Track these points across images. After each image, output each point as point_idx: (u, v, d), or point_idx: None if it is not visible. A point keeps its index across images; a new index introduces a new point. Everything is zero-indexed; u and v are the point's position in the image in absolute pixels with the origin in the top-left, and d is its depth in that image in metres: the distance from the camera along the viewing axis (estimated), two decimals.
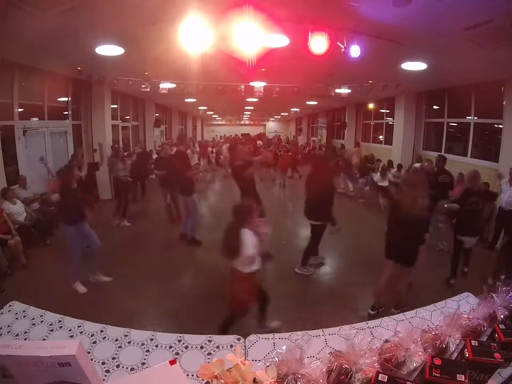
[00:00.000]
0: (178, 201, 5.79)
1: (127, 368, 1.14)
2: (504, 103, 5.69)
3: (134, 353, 1.19)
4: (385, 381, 0.86)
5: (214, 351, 1.21)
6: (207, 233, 5.47)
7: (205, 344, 1.23)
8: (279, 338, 1.25)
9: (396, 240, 2.97)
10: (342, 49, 3.96)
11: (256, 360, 0.98)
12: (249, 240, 2.35)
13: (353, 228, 5.92)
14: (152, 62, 5.09)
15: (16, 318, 1.33)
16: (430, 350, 1.07)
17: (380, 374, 0.88)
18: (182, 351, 1.21)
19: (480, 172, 6.26)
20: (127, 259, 4.38)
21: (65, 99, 7.26)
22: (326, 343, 1.23)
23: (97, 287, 3.65)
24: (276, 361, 0.89)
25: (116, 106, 9.19)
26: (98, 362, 1.15)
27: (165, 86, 7.10)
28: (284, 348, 0.91)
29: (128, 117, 10.58)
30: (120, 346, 1.22)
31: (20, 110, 5.72)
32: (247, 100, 11.04)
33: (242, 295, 2.43)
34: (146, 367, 1.14)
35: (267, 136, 22.59)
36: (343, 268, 4.39)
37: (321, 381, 0.88)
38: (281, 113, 21.10)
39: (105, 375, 1.10)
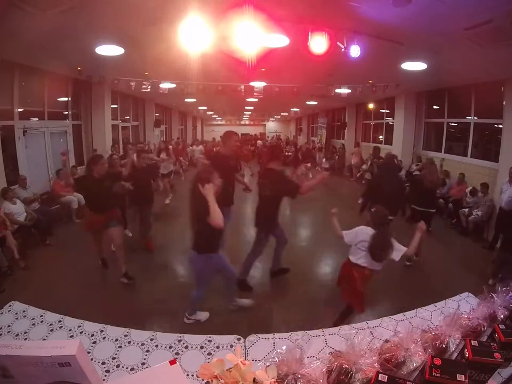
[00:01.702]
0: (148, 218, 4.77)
1: (127, 368, 1.14)
2: (504, 103, 5.68)
3: (134, 353, 1.20)
4: (385, 381, 0.86)
5: (214, 351, 1.21)
6: None
7: (205, 344, 1.23)
8: (279, 338, 1.25)
9: (420, 208, 4.40)
10: (342, 49, 3.96)
11: (256, 360, 0.98)
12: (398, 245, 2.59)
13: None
14: (152, 62, 5.09)
15: (16, 318, 1.33)
16: (430, 350, 1.07)
17: (379, 374, 0.88)
18: (182, 351, 1.21)
19: (480, 172, 6.37)
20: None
21: (65, 99, 7.26)
22: (326, 343, 1.23)
23: (97, 288, 3.64)
24: (276, 361, 0.89)
25: (116, 106, 9.20)
26: (98, 362, 1.15)
27: (165, 86, 7.11)
28: (284, 348, 0.91)
29: (128, 117, 10.59)
30: (120, 346, 1.22)
31: (20, 110, 5.73)
32: (247, 100, 11.04)
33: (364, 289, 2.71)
34: (146, 367, 1.14)
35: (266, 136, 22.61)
36: None
37: (321, 381, 0.87)
38: (281, 113, 21.10)
39: (105, 375, 1.10)
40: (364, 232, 2.64)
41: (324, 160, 12.50)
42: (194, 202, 2.68)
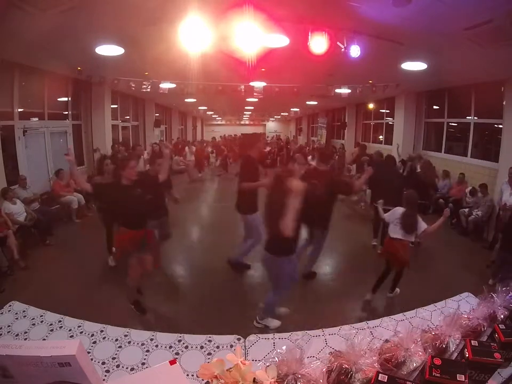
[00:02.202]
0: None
1: (127, 368, 1.14)
2: (504, 103, 5.68)
3: (134, 353, 1.20)
4: (385, 381, 0.86)
5: (214, 351, 1.21)
6: (207, 234, 5.50)
7: (205, 344, 1.24)
8: (279, 338, 1.25)
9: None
10: (342, 49, 3.96)
11: (256, 360, 0.98)
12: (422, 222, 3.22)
13: (352, 227, 5.92)
14: (152, 62, 5.09)
15: (16, 318, 1.33)
16: (430, 350, 1.07)
17: (379, 374, 0.88)
18: (182, 351, 1.21)
19: (480, 172, 6.37)
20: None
21: (65, 99, 7.26)
22: (326, 343, 1.23)
23: (97, 288, 3.64)
24: (276, 361, 0.89)
25: (116, 106, 9.20)
26: (98, 362, 1.15)
27: (165, 86, 7.11)
28: (284, 348, 0.91)
29: (128, 117, 10.59)
30: (120, 346, 1.22)
31: (20, 110, 5.72)
32: (247, 100, 11.04)
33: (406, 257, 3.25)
34: (146, 367, 1.14)
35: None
36: (342, 267, 4.39)
37: (321, 381, 0.88)
38: (281, 113, 21.10)
39: (105, 375, 1.11)
40: (398, 212, 3.26)
41: (310, 157, 12.90)
42: (274, 205, 2.59)
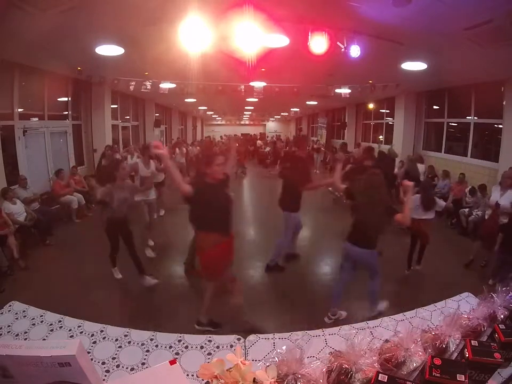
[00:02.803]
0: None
1: (127, 368, 1.14)
2: (504, 103, 5.69)
3: (134, 353, 1.20)
4: (385, 381, 0.86)
5: (214, 351, 1.21)
6: None
7: (205, 344, 1.24)
8: (279, 338, 1.25)
9: None
10: (342, 49, 3.96)
11: (256, 360, 0.98)
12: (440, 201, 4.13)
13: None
14: (152, 62, 5.10)
15: (16, 318, 1.33)
16: (430, 350, 1.07)
17: (379, 374, 0.88)
18: (182, 351, 1.21)
19: (480, 172, 6.37)
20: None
21: (65, 99, 7.26)
22: (326, 343, 1.23)
23: (97, 288, 3.63)
24: (276, 361, 0.89)
25: (116, 106, 9.20)
26: (98, 362, 1.15)
27: (165, 86, 7.11)
28: (284, 348, 0.91)
29: (128, 117, 10.59)
30: (120, 346, 1.22)
31: (20, 110, 5.73)
32: (247, 100, 11.04)
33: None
34: (146, 367, 1.14)
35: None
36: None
37: (321, 381, 0.87)
38: (281, 113, 21.11)
39: (105, 375, 1.11)
40: (417, 198, 3.84)
41: None
42: (375, 199, 2.77)
